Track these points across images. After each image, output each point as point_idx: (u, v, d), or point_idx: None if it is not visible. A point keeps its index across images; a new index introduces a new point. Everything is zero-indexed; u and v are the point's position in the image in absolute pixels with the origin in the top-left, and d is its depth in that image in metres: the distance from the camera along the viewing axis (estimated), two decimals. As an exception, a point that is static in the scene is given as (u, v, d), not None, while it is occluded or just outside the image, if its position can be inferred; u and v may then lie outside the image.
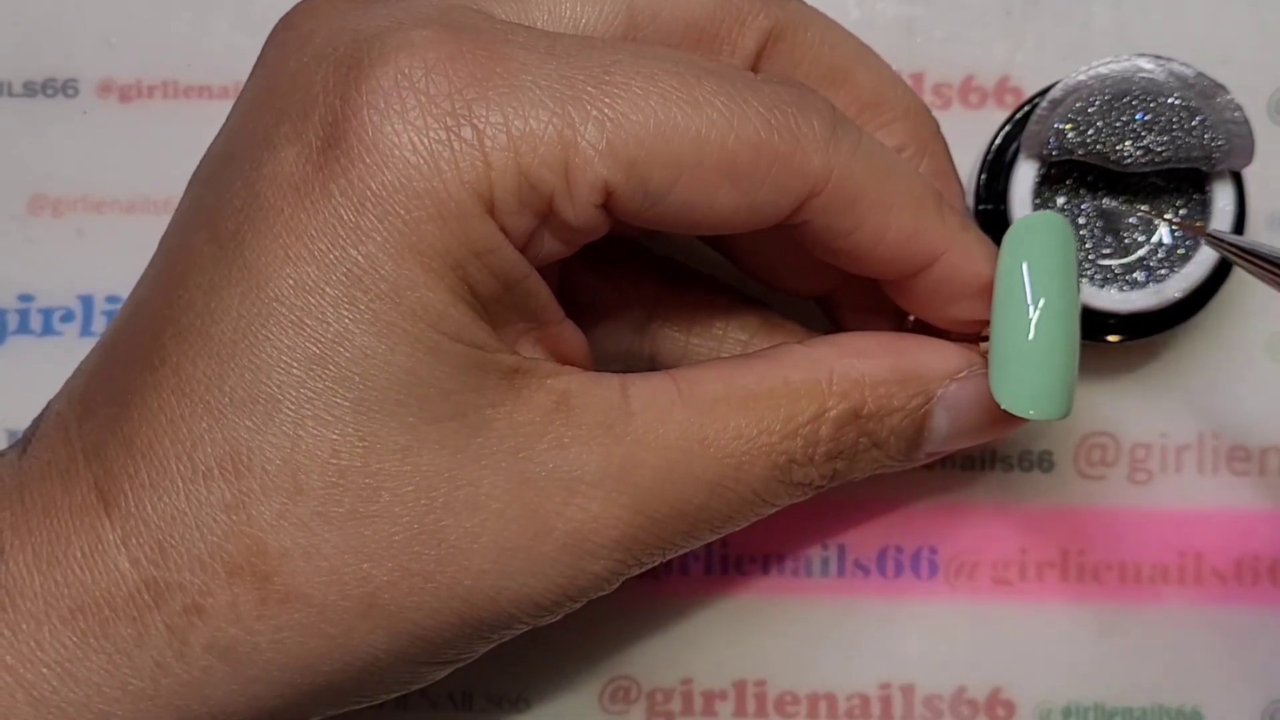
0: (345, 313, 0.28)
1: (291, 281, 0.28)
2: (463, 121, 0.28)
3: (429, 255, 0.28)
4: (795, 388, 0.31)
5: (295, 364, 0.28)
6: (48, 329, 0.39)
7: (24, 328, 0.39)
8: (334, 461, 0.28)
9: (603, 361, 0.34)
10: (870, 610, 0.39)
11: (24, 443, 0.30)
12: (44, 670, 0.28)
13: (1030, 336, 0.31)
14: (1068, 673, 0.39)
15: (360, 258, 0.27)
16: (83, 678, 0.28)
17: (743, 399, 0.31)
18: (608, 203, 0.29)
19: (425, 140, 0.27)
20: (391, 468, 0.28)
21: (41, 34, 0.40)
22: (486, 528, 0.29)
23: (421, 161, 0.27)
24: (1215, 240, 0.33)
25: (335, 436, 0.28)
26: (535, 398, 0.29)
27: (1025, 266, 0.31)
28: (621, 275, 0.35)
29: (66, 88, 0.40)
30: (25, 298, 0.39)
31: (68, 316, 0.39)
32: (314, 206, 0.28)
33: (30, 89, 0.40)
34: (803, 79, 0.32)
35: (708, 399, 0.30)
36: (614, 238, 0.34)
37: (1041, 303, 0.31)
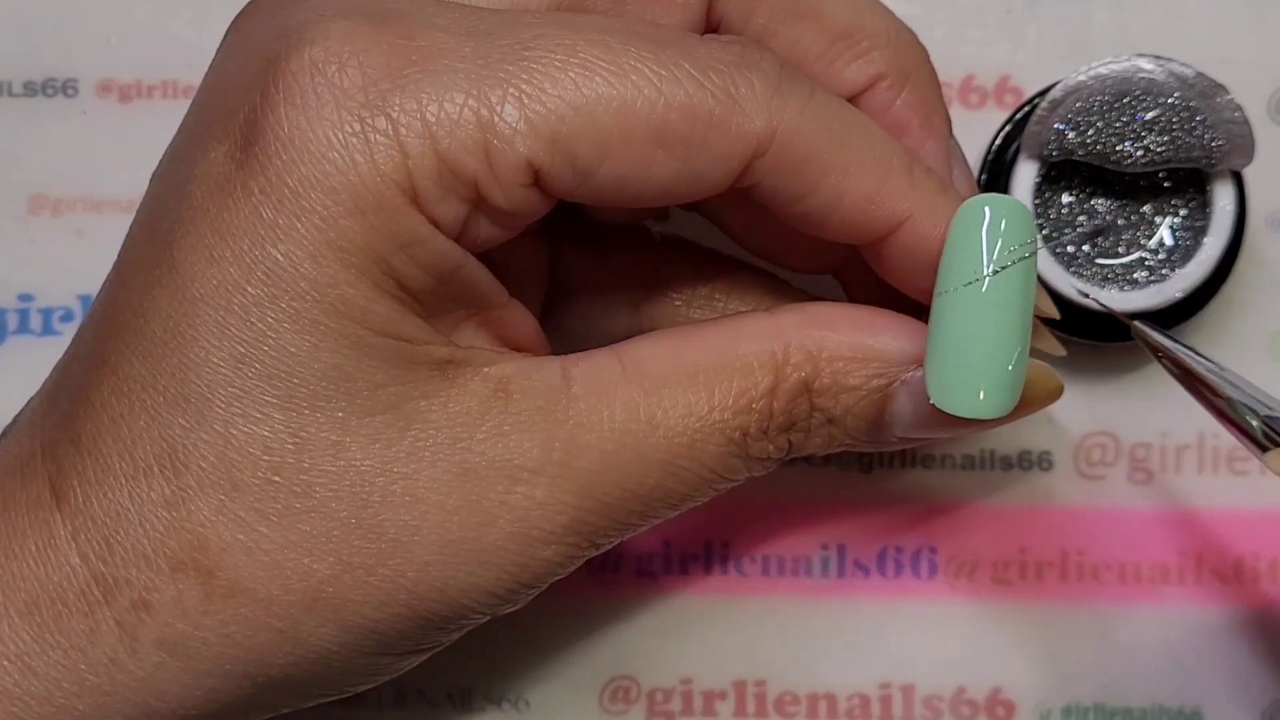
0: (268, 312, 0.27)
1: (215, 281, 0.28)
2: (377, 112, 0.27)
3: (349, 251, 0.27)
4: (749, 360, 0.30)
5: (222, 363, 0.28)
6: (48, 329, 0.39)
7: (24, 328, 0.39)
8: (266, 458, 0.28)
9: (604, 339, 0.34)
10: (870, 610, 0.39)
11: (1, 436, 0.31)
12: (5, 663, 0.28)
13: (973, 317, 0.29)
14: (1068, 673, 0.38)
15: (280, 256, 0.27)
16: (41, 672, 0.28)
17: (692, 374, 0.30)
18: (538, 181, 0.28)
19: (339, 134, 0.27)
20: (324, 464, 0.28)
21: (41, 34, 0.40)
22: (427, 520, 0.29)
23: (336, 156, 0.27)
24: (1140, 332, 0.32)
25: (266, 433, 0.28)
26: (472, 386, 0.29)
27: (981, 242, 0.29)
28: (618, 252, 0.34)
29: (66, 88, 0.40)
30: (25, 298, 0.39)
31: (68, 316, 0.39)
32: (236, 205, 0.28)
33: (30, 89, 0.40)
34: (766, 13, 0.31)
35: (654, 376, 0.30)
36: (606, 217, 0.34)
37: (988, 282, 0.29)
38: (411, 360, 0.28)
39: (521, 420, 0.29)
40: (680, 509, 0.31)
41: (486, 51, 0.28)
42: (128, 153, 0.39)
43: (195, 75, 0.39)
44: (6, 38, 0.40)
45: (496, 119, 0.27)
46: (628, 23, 0.29)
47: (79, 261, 0.39)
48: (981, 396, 0.29)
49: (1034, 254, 0.29)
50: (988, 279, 0.29)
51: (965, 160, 0.34)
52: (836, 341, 0.30)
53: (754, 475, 0.31)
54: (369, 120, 0.27)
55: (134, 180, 0.39)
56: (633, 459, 0.29)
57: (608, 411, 0.29)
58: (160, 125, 0.39)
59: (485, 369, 0.29)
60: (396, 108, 0.27)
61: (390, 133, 0.27)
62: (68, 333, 0.39)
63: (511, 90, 0.27)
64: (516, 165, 0.28)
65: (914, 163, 0.30)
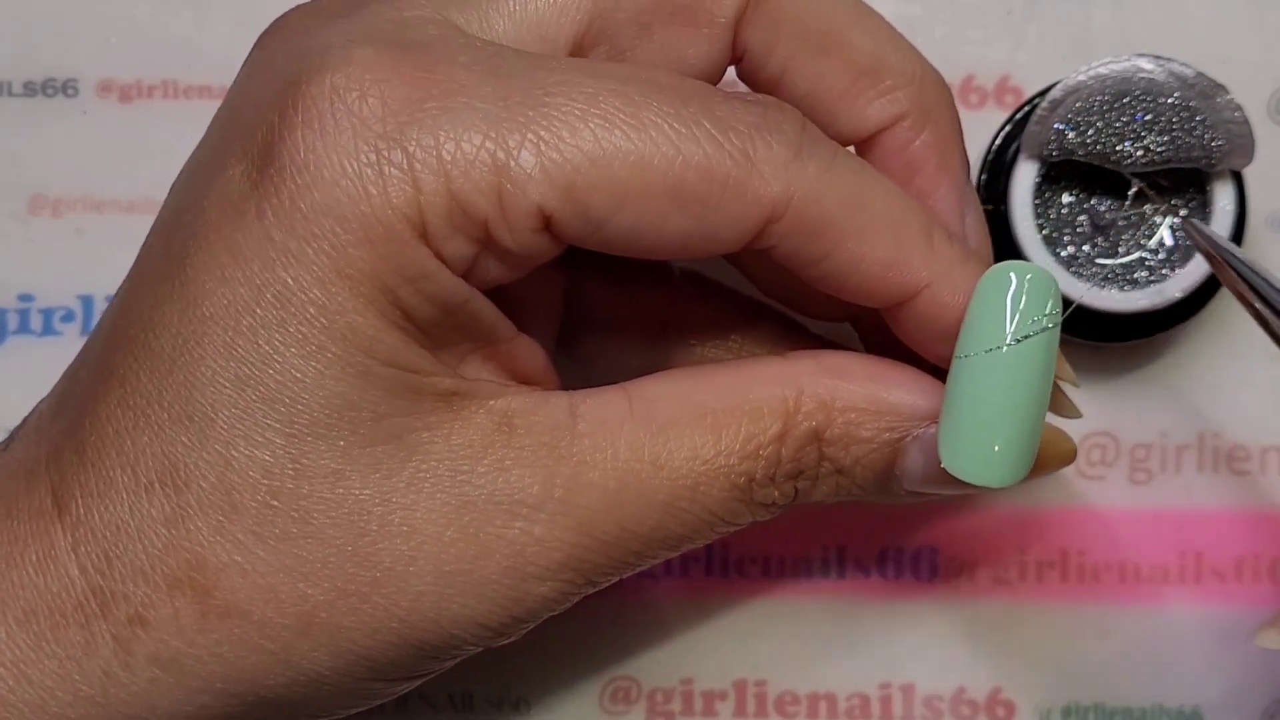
0: (275, 335, 0.27)
1: (225, 301, 0.27)
2: (393, 145, 0.27)
3: (357, 280, 0.27)
4: (759, 405, 0.30)
5: (227, 383, 0.27)
6: (48, 329, 0.39)
7: (24, 328, 0.39)
8: (266, 482, 0.28)
9: (618, 374, 0.34)
10: (870, 610, 0.39)
11: (9, 440, 0.31)
12: (1, 670, 0.28)
13: (993, 385, 0.29)
14: (1068, 673, 0.39)
15: (290, 280, 0.27)
16: (37, 680, 0.28)
17: (700, 416, 0.29)
18: (549, 227, 0.28)
19: (354, 164, 0.27)
20: (323, 491, 0.28)
21: (41, 34, 0.40)
22: (423, 551, 0.28)
23: (350, 185, 0.27)
24: (1193, 231, 0.32)
25: (267, 458, 0.28)
26: (476, 419, 0.29)
27: (1005, 310, 0.29)
28: (637, 287, 0.34)
29: (66, 88, 0.40)
30: (25, 298, 0.39)
31: (68, 316, 0.39)
32: (249, 227, 0.27)
33: (30, 89, 0.40)
34: (790, 45, 0.31)
35: (662, 417, 0.29)
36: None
37: (1011, 351, 0.29)
38: (416, 391, 0.28)
39: (524, 455, 0.29)
40: (679, 550, 0.30)
41: (507, 93, 0.27)
42: (128, 153, 0.39)
43: (195, 75, 0.40)
44: (6, 38, 0.40)
45: (512, 163, 0.27)
46: (650, 74, 0.29)
47: (79, 261, 0.39)
48: (994, 465, 0.29)
49: (1058, 325, 0.29)
50: (1008, 347, 0.29)
51: (979, 205, 0.33)
52: (850, 392, 0.30)
53: (757, 520, 0.31)
54: (385, 152, 0.27)
55: (134, 180, 0.39)
56: (634, 499, 0.29)
57: (612, 450, 0.29)
58: (160, 125, 0.40)
59: (490, 402, 0.29)
60: (413, 142, 0.27)
61: (405, 167, 0.27)
62: (68, 333, 0.39)
63: (530, 136, 0.27)
64: (528, 211, 0.27)
65: (935, 229, 0.30)
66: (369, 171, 0.27)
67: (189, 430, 0.28)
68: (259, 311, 0.27)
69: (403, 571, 0.28)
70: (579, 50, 0.30)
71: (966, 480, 0.29)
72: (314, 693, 0.29)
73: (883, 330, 0.32)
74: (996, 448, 0.29)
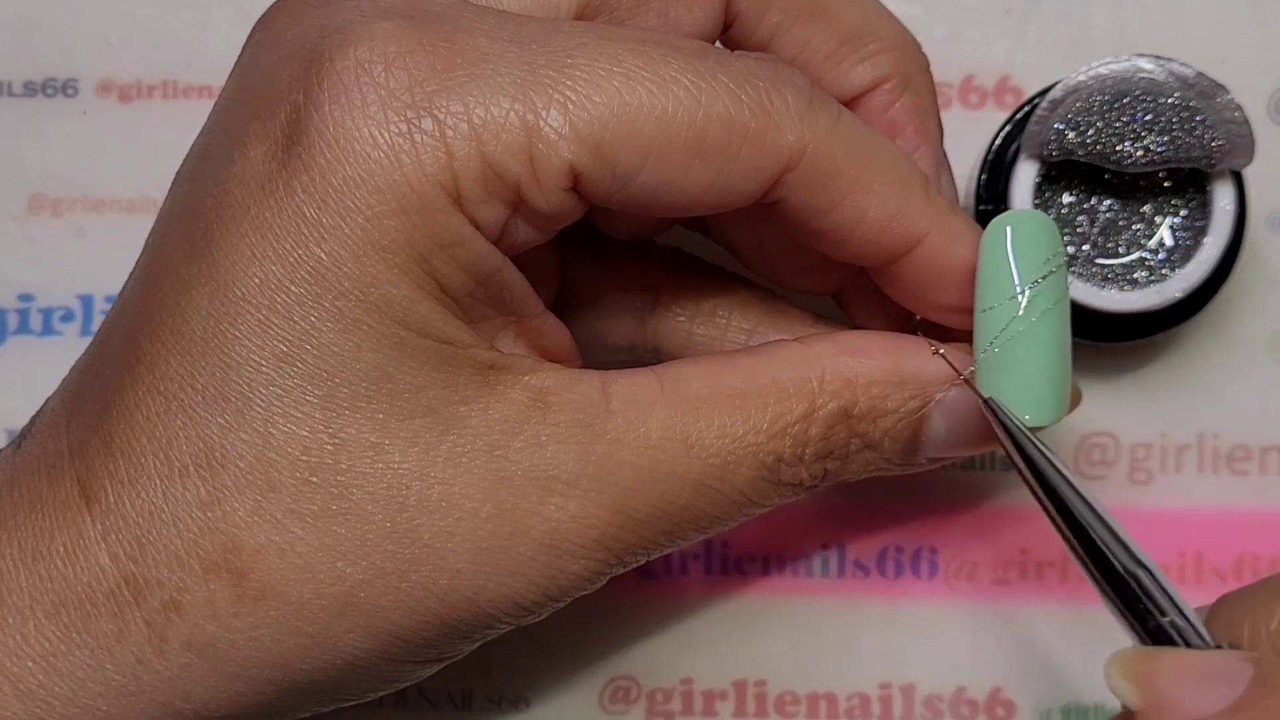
0: (311, 310, 0.28)
1: (258, 280, 0.28)
2: (423, 113, 0.27)
3: (392, 250, 0.27)
4: (784, 386, 0.30)
5: (264, 362, 0.28)
6: (48, 329, 0.39)
7: (24, 328, 0.39)
8: (305, 458, 0.28)
9: (607, 352, 0.34)
10: (870, 610, 0.39)
11: (20, 438, 0.31)
12: (30, 664, 0.28)
13: (1019, 330, 0.30)
14: (1068, 673, 0.38)
15: (324, 255, 0.27)
16: (67, 672, 0.28)
17: (729, 397, 0.30)
18: (577, 186, 0.28)
19: (385, 134, 0.27)
20: (362, 465, 0.28)
21: (41, 34, 0.40)
22: (461, 527, 0.29)
23: (382, 155, 0.27)
24: (991, 412, 0.31)
25: (305, 434, 0.28)
26: (511, 394, 0.29)
27: (1012, 259, 0.30)
28: (624, 266, 0.34)
29: (66, 88, 0.40)
30: (25, 298, 0.39)
31: (68, 316, 0.39)
32: (278, 205, 0.28)
33: (30, 89, 0.40)
34: (780, 11, 0.32)
35: (692, 397, 0.30)
36: (615, 232, 0.34)
37: (1028, 295, 0.30)
38: (452, 363, 0.28)
39: (559, 432, 0.29)
40: (709, 532, 0.31)
41: (531, 58, 0.28)
42: (128, 153, 0.39)
43: (195, 75, 0.40)
44: (6, 38, 0.40)
45: (542, 124, 0.28)
46: (662, 35, 0.30)
47: (79, 261, 0.39)
48: (1038, 404, 0.31)
49: (1065, 264, 0.31)
50: (1025, 293, 0.30)
51: (950, 168, 0.34)
52: (871, 367, 0.31)
53: (783, 501, 0.31)
54: (415, 121, 0.27)
55: (134, 180, 0.39)
56: (666, 476, 0.29)
57: (644, 428, 0.29)
58: (160, 125, 0.40)
59: (525, 378, 0.29)
60: (443, 109, 0.27)
61: (436, 134, 0.27)
62: (68, 332, 0.39)
63: (557, 96, 0.28)
64: (559, 170, 0.28)
65: (929, 183, 0.31)
66: (400, 141, 0.27)
67: (225, 411, 0.28)
68: (293, 289, 0.27)
69: (440, 548, 0.28)
70: (581, 19, 0.30)
71: (1025, 424, 0.31)
72: (347, 675, 0.29)
73: (867, 303, 0.34)
74: (1040, 387, 0.31)
